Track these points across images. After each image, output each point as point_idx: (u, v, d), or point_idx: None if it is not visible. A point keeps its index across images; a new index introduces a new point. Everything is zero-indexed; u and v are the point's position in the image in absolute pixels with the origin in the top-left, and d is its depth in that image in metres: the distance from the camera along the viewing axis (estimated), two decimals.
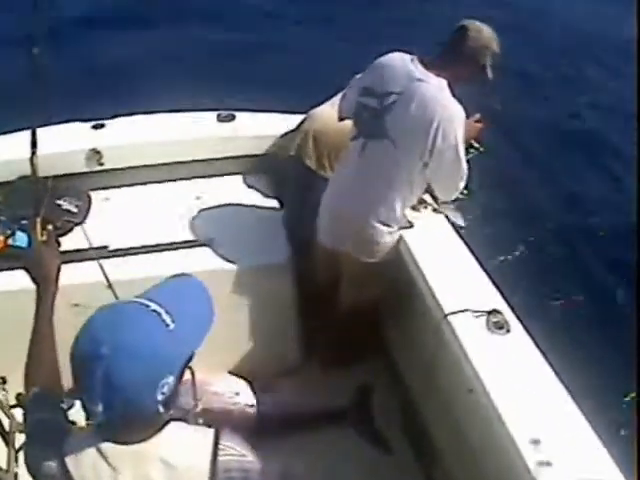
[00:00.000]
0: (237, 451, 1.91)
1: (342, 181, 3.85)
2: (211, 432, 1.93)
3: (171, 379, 1.74)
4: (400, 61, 3.62)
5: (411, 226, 3.80)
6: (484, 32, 3.57)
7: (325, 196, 3.92)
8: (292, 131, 4.47)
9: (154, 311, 1.74)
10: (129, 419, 1.76)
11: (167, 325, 1.73)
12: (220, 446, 1.89)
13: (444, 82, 3.49)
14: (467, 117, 3.59)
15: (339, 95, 4.23)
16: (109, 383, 1.66)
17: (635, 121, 7.33)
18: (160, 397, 1.73)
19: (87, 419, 1.83)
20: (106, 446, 1.82)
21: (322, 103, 4.39)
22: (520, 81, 8.24)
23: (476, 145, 3.76)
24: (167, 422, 1.87)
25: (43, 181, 3.88)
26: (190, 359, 1.86)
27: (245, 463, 1.92)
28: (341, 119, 3.96)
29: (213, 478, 1.84)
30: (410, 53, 3.65)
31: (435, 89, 3.46)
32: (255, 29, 9.33)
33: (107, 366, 1.65)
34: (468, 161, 3.60)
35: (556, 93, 8.62)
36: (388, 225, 3.70)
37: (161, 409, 1.77)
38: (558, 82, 8.84)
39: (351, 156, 3.75)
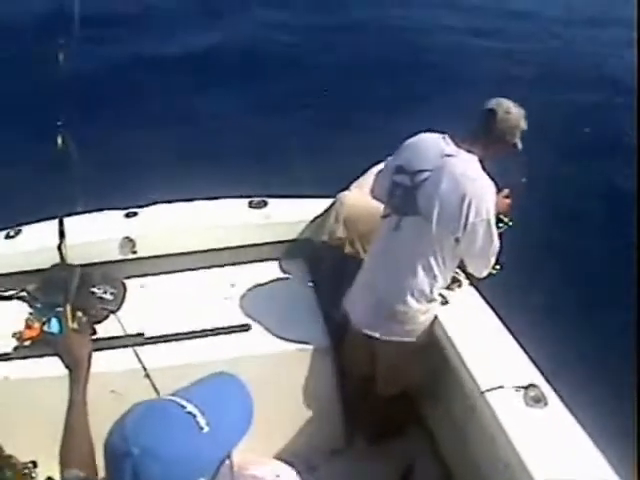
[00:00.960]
0: None
1: (375, 259, 3.86)
2: None
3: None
4: (431, 139, 3.69)
5: (445, 302, 3.80)
6: (512, 112, 3.61)
7: (359, 275, 3.91)
8: (322, 215, 4.51)
9: (189, 413, 1.72)
10: None
11: (201, 428, 1.71)
12: None
13: (475, 157, 3.54)
14: (497, 192, 3.63)
15: (365, 176, 4.34)
16: None
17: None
18: None
19: None
20: None
21: (349, 185, 4.44)
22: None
23: (505, 219, 3.76)
24: None
25: (75, 269, 3.93)
26: (224, 460, 1.82)
27: None
28: (373, 197, 3.98)
29: None
30: (442, 132, 3.70)
31: (465, 164, 3.52)
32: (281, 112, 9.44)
33: (136, 465, 1.64)
34: (499, 235, 3.61)
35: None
36: (421, 303, 3.67)
37: None
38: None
39: (383, 234, 3.77)
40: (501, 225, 3.72)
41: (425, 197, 3.52)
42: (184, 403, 1.74)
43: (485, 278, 3.80)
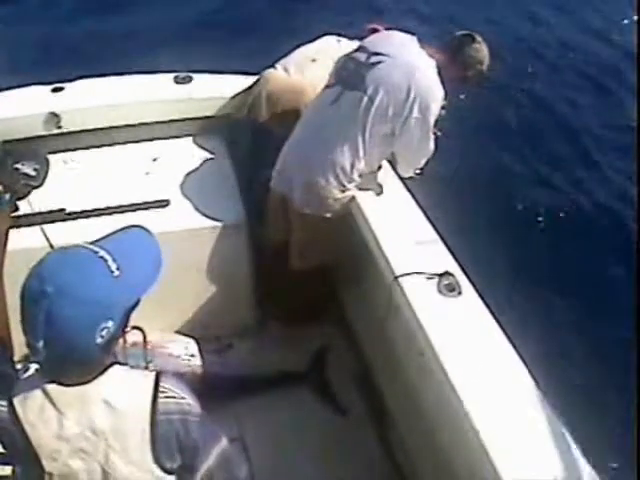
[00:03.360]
0: (177, 394, 2.00)
1: (306, 125, 3.88)
2: (152, 375, 2.01)
3: (111, 324, 1.82)
4: (401, 34, 3.78)
5: (367, 189, 3.83)
6: (485, 51, 3.73)
7: (288, 142, 3.94)
8: (245, 91, 4.51)
9: (101, 257, 1.82)
10: (67, 358, 1.84)
11: (112, 272, 1.81)
12: (160, 388, 1.97)
13: (434, 63, 3.62)
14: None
15: (292, 55, 4.37)
16: (50, 321, 1.74)
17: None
18: (99, 340, 1.81)
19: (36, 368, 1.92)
20: (52, 388, 1.89)
21: (275, 63, 4.44)
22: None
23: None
24: (112, 365, 1.95)
25: None
26: (134, 307, 1.95)
27: (184, 405, 2.01)
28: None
29: (153, 419, 1.93)
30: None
31: (424, 64, 3.60)
32: None
33: (50, 304, 1.73)
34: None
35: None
36: (340, 180, 3.71)
37: (99, 352, 1.85)
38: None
39: (320, 105, 3.80)
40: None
41: (375, 78, 3.56)
42: (96, 249, 1.84)
43: (408, 178, 3.88)
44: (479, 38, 3.74)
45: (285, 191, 3.89)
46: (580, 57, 9.01)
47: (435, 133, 3.69)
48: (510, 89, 8.16)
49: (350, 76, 3.66)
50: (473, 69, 3.73)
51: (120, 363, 2.00)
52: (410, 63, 3.58)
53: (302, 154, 3.83)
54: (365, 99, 3.56)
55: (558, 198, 6.75)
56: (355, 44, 3.97)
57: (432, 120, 3.57)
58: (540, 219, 6.45)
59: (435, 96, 3.56)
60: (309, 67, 4.27)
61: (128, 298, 1.91)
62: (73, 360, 1.86)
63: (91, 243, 1.90)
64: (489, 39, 3.78)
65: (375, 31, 4.59)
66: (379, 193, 3.83)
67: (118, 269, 1.83)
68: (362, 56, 3.67)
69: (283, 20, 8.57)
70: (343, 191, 3.76)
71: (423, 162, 3.76)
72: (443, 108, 3.72)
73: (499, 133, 7.63)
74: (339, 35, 4.51)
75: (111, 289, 1.82)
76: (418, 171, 3.84)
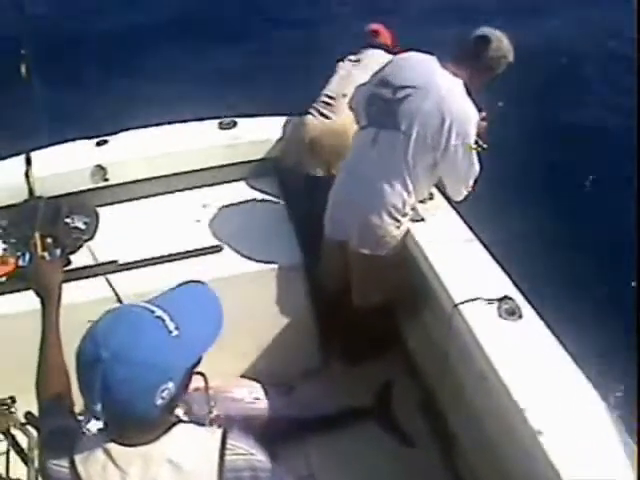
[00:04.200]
0: (245, 450, 1.93)
1: (351, 169, 3.84)
2: (219, 432, 1.95)
3: (171, 385, 1.77)
4: (420, 57, 3.71)
5: (421, 219, 3.79)
6: (504, 43, 3.63)
7: (334, 186, 3.92)
8: (287, 139, 4.59)
9: (158, 317, 1.77)
10: (126, 420, 1.81)
11: (170, 332, 1.76)
12: (228, 445, 1.91)
13: (460, 81, 3.54)
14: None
15: (320, 99, 4.45)
16: (106, 386, 1.69)
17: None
18: (159, 402, 1.76)
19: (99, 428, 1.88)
20: (114, 447, 1.85)
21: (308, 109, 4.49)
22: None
23: (480, 142, 3.73)
24: (176, 424, 1.90)
25: (45, 200, 3.94)
26: (195, 365, 1.89)
27: (254, 461, 1.94)
28: (350, 108, 4.01)
29: (221, 477, 1.87)
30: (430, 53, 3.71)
31: (451, 86, 3.52)
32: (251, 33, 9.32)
33: (105, 369, 1.69)
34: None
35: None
36: (395, 217, 3.68)
37: (160, 413, 1.80)
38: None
39: (360, 146, 3.77)
40: (477, 147, 3.73)
41: (407, 113, 3.52)
42: (153, 308, 1.79)
43: (463, 201, 3.81)
44: (492, 34, 3.64)
45: (341, 237, 3.87)
46: None
47: (478, 148, 3.63)
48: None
49: (382, 115, 3.63)
50: (500, 66, 3.66)
51: (183, 421, 1.95)
52: (438, 90, 3.50)
53: (352, 199, 3.79)
54: (401, 136, 3.53)
55: (609, 212, 6.58)
56: (373, 63, 4.05)
57: (472, 141, 3.52)
58: (594, 235, 6.27)
59: (469, 118, 3.50)
60: (342, 104, 4.26)
61: (188, 358, 1.85)
62: (133, 422, 1.82)
63: (148, 301, 1.85)
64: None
65: (376, 33, 4.65)
66: (432, 221, 3.80)
67: (177, 328, 1.77)
68: (388, 92, 3.61)
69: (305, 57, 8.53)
70: (398, 227, 3.73)
71: (471, 182, 3.69)
72: (484, 119, 3.69)
73: (549, 141, 7.52)
74: (350, 54, 4.61)
75: (169, 350, 1.76)
76: (469, 191, 3.75)
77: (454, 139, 3.46)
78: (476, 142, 3.65)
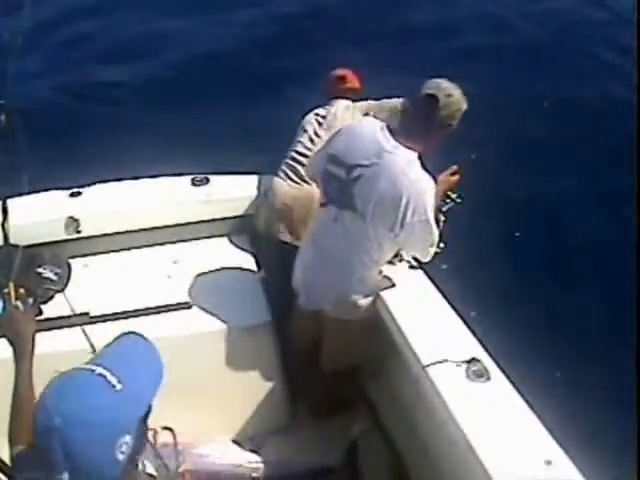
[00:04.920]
0: None
1: (317, 242, 3.82)
2: None
3: (128, 438, 1.80)
4: (369, 130, 3.55)
5: (392, 286, 3.80)
6: (455, 95, 3.43)
7: (299, 255, 3.92)
8: (256, 201, 4.70)
9: (99, 374, 1.80)
10: None
11: (114, 386, 1.79)
12: None
13: (414, 155, 3.41)
14: (443, 171, 3.69)
15: (286, 162, 4.56)
16: (68, 453, 1.72)
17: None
18: (121, 457, 1.78)
19: None
20: None
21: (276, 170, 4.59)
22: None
23: (453, 196, 3.75)
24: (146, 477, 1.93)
25: (18, 249, 3.93)
26: (148, 414, 1.92)
27: None
28: (309, 177, 4.11)
29: None
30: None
31: (404, 163, 3.40)
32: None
33: (62, 436, 1.72)
34: (444, 214, 3.68)
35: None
36: (365, 285, 3.71)
37: (125, 466, 1.82)
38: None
39: (323, 222, 3.74)
40: (448, 202, 3.74)
41: (361, 194, 3.45)
42: (93, 367, 1.83)
43: (429, 262, 3.79)
44: (439, 89, 3.41)
45: (315, 307, 3.87)
46: None
47: (454, 199, 3.69)
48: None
49: (339, 195, 3.57)
50: (455, 119, 3.47)
51: (152, 476, 1.96)
52: (389, 167, 3.39)
53: (323, 272, 3.79)
54: (360, 217, 3.49)
55: (575, 261, 6.77)
56: (338, 124, 4.20)
57: (430, 214, 3.42)
58: (561, 288, 6.44)
59: (425, 191, 3.39)
60: None
61: (137, 408, 1.89)
62: None
63: (88, 362, 1.89)
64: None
65: (343, 79, 4.69)
66: (401, 284, 3.82)
67: (119, 382, 1.81)
68: (342, 172, 3.53)
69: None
70: (369, 295, 3.76)
71: (433, 250, 3.65)
72: (455, 173, 3.72)
73: (511, 203, 7.57)
74: (316, 107, 4.69)
75: (117, 404, 1.80)
76: (435, 251, 3.70)
77: (409, 217, 3.36)
78: (448, 196, 3.71)
